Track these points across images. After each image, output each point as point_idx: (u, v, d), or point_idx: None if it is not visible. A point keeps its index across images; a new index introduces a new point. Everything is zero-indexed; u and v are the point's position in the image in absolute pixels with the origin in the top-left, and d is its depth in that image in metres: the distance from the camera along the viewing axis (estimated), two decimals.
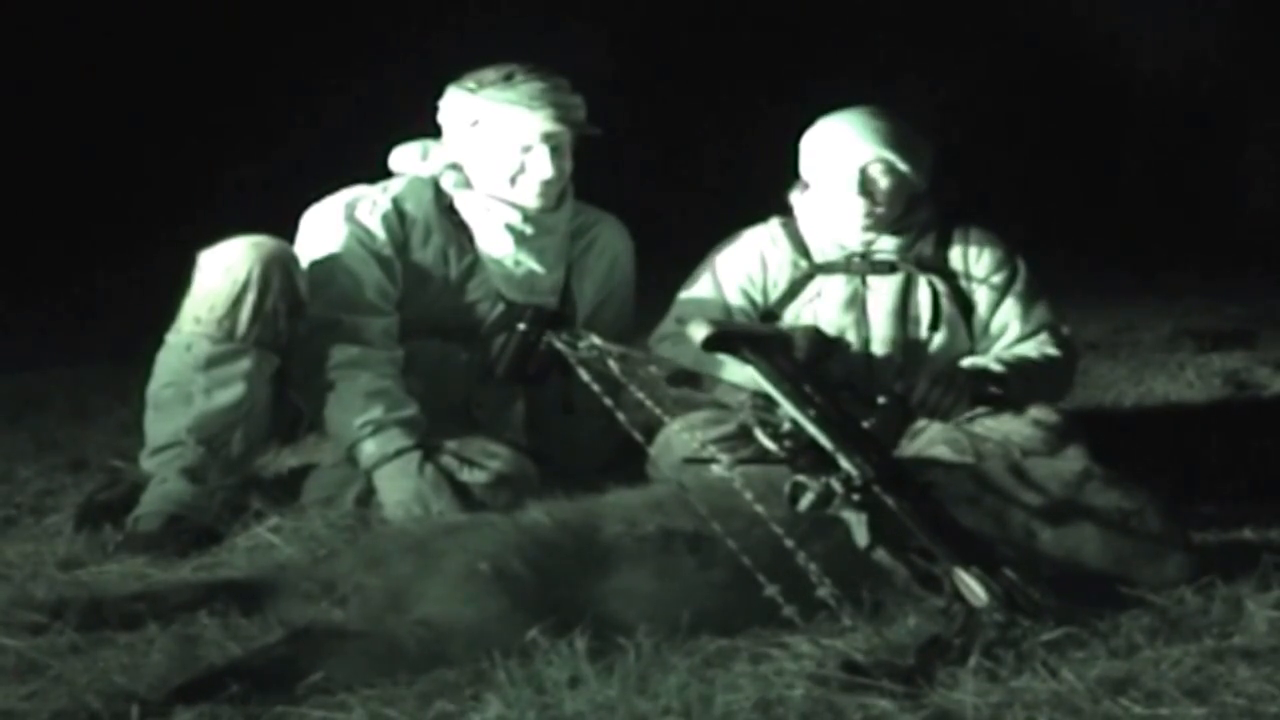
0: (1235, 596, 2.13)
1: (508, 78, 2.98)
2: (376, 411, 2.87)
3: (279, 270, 2.85)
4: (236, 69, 8.77)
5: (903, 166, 2.93)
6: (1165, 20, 9.03)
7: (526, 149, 2.98)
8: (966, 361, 2.95)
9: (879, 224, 2.96)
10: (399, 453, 2.84)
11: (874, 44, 9.63)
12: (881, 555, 2.06)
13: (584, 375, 2.50)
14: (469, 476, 2.84)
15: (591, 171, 3.17)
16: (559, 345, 2.47)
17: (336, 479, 2.94)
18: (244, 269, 2.83)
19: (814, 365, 2.77)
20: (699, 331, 2.22)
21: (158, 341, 2.88)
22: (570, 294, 3.15)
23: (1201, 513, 2.68)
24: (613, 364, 2.48)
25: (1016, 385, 2.87)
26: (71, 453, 3.68)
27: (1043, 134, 10.09)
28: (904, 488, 2.09)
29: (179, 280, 2.89)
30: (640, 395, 2.33)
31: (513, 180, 3.00)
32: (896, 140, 2.93)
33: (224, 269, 2.84)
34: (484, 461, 2.87)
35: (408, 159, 3.12)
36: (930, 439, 2.86)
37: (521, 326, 2.89)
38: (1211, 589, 2.14)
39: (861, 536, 2.06)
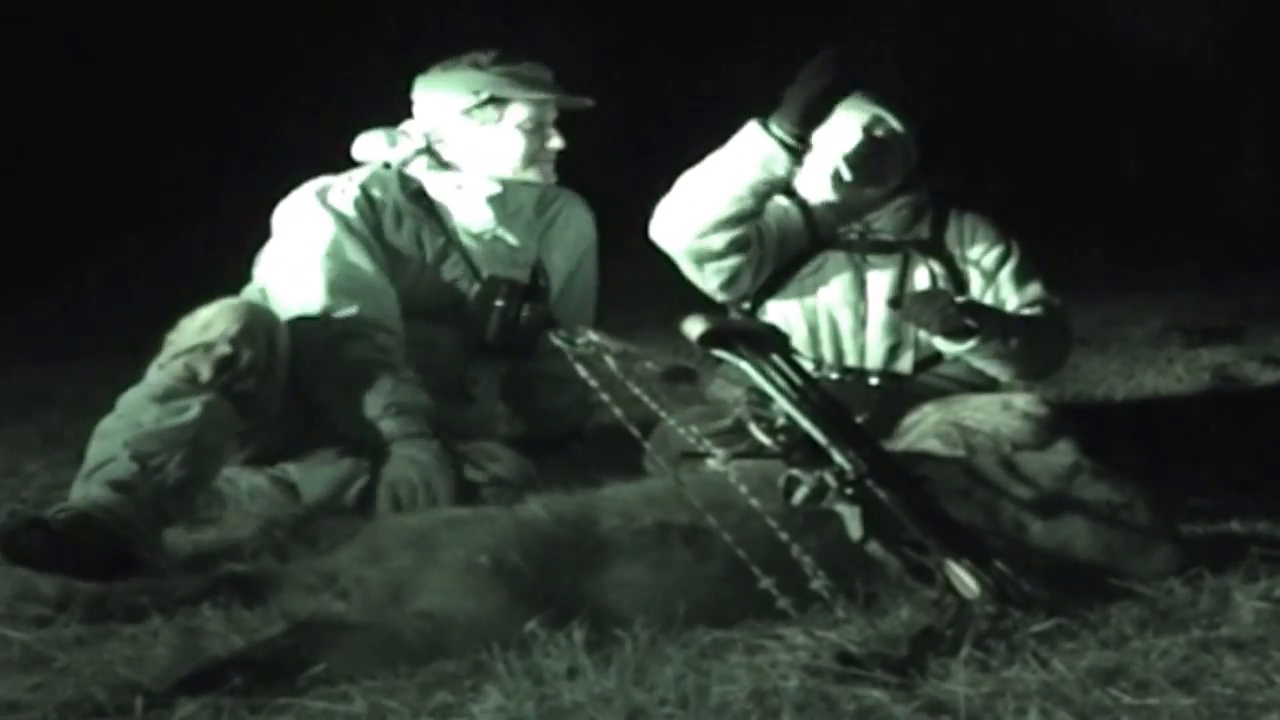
0: (1223, 588, 2.14)
1: (503, 58, 3.07)
2: (400, 396, 2.89)
3: (259, 334, 2.78)
4: (235, 67, 8.77)
5: (897, 125, 3.03)
6: (1156, 17, 9.04)
7: (539, 124, 3.08)
8: (962, 298, 2.98)
9: (880, 186, 3.04)
10: (420, 434, 2.87)
11: (868, 30, 9.62)
12: (875, 548, 2.07)
13: (581, 371, 2.52)
14: (470, 475, 2.87)
15: (575, 155, 3.22)
16: (558, 342, 2.49)
17: (337, 476, 2.93)
18: (218, 329, 2.75)
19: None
20: (694, 328, 2.23)
21: (163, 336, 2.83)
22: (542, 266, 3.22)
23: (1190, 505, 2.71)
24: (610, 360, 2.49)
25: (994, 326, 2.87)
26: (77, 447, 3.61)
27: (1033, 129, 10.11)
28: (897, 481, 2.10)
29: (182, 275, 2.89)
30: (637, 390, 2.34)
31: (528, 155, 3.08)
32: (890, 102, 3.05)
33: (200, 326, 2.77)
34: (485, 464, 2.91)
35: (374, 147, 3.13)
36: (922, 433, 2.89)
37: (499, 303, 3.00)
38: (1199, 580, 2.16)
39: (855, 529, 2.07)
